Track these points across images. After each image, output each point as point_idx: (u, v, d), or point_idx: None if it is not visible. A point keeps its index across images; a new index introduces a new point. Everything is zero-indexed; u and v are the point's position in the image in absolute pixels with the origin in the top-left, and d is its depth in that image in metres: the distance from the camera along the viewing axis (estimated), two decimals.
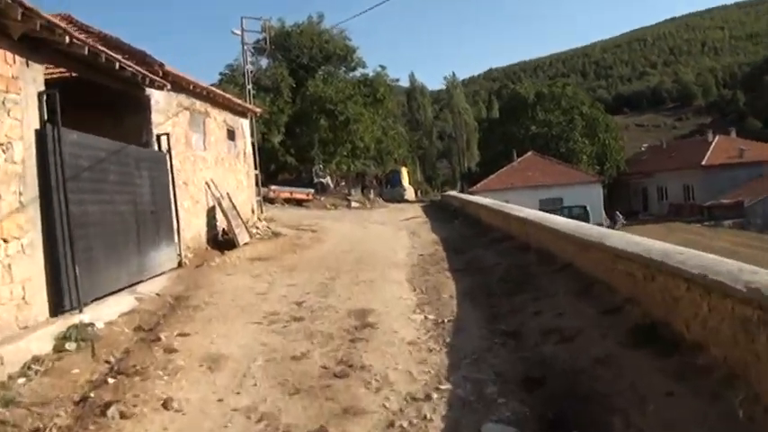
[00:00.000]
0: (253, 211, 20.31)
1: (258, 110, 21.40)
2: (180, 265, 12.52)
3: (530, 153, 53.79)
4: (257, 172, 27.90)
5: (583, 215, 46.65)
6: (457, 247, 13.45)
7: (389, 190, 63.99)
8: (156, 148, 12.55)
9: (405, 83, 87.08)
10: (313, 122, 44.11)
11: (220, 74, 46.13)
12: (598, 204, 48.49)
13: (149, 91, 12.25)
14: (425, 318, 7.96)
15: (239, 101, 19.28)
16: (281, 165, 44.93)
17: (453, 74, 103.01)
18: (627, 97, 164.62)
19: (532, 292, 8.21)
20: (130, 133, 11.90)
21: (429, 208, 32.27)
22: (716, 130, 62.12)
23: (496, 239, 13.39)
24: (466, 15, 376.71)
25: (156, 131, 12.61)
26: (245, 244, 16.06)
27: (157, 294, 9.74)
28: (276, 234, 18.76)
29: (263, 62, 46.58)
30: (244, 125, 20.12)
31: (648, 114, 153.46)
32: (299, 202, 42.13)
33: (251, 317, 8.49)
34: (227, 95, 17.65)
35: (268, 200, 40.40)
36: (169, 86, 12.72)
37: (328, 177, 51.32)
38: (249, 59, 47.96)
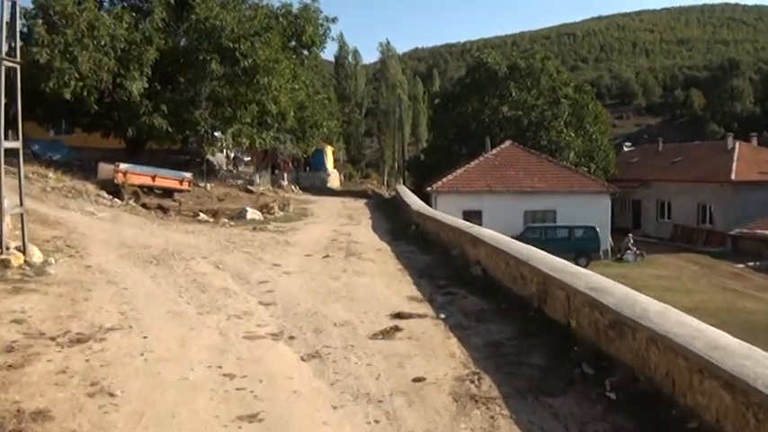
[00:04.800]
0: None
1: None
2: None
3: (507, 143, 39.11)
4: None
5: (592, 241, 32.60)
6: None
7: (309, 174, 48.26)
8: None
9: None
10: (200, 66, 27.73)
11: None
12: (605, 224, 34.50)
13: None
14: None
15: None
16: (145, 129, 28.21)
17: (388, 42, 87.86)
18: None
19: None
20: None
21: (400, 236, 16.68)
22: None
23: None
24: None
25: None
26: None
27: None
28: None
29: None
30: None
31: None
32: (167, 194, 26.36)
33: None
34: None
35: (113, 189, 24.04)
36: None
37: (222, 154, 35.11)
38: None
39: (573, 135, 44.59)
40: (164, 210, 20.62)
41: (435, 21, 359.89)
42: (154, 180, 25.81)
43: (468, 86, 49.99)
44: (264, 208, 21.69)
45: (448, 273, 11.50)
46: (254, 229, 17.28)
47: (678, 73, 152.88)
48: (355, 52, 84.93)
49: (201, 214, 18.78)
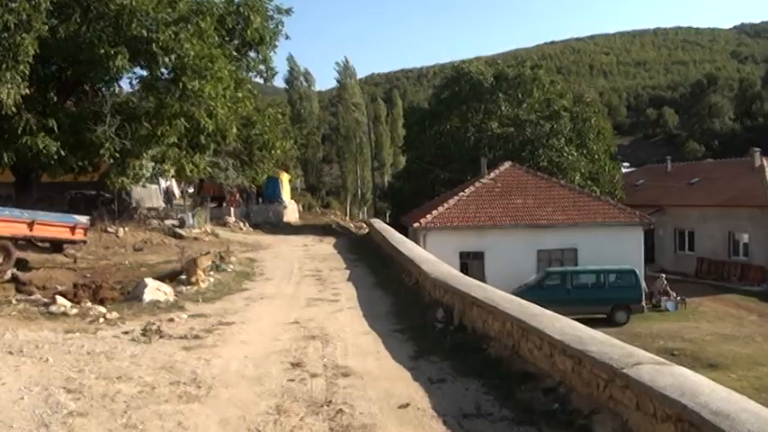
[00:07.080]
0: None
1: None
2: None
3: (507, 164, 31.83)
4: None
5: (631, 288, 25.29)
6: None
7: (262, 207, 40.26)
8: None
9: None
10: (102, 63, 19.78)
11: None
12: (638, 264, 27.32)
13: None
14: None
15: None
16: (27, 154, 19.95)
17: (347, 60, 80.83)
18: None
19: None
20: None
21: (425, 342, 8.69)
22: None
23: None
24: (348, 15, 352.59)
25: None
26: None
27: None
28: None
29: None
30: None
31: None
32: (56, 247, 18.58)
33: None
34: None
35: None
36: None
37: (139, 187, 26.99)
38: None
39: (575, 154, 37.65)
40: (18, 285, 12.41)
41: (389, 47, 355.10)
42: (31, 229, 17.56)
43: (446, 101, 42.67)
44: (188, 271, 13.70)
45: None
46: (146, 332, 8.76)
47: (642, 92, 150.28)
48: (307, 74, 77.92)
49: (60, 299, 10.40)
